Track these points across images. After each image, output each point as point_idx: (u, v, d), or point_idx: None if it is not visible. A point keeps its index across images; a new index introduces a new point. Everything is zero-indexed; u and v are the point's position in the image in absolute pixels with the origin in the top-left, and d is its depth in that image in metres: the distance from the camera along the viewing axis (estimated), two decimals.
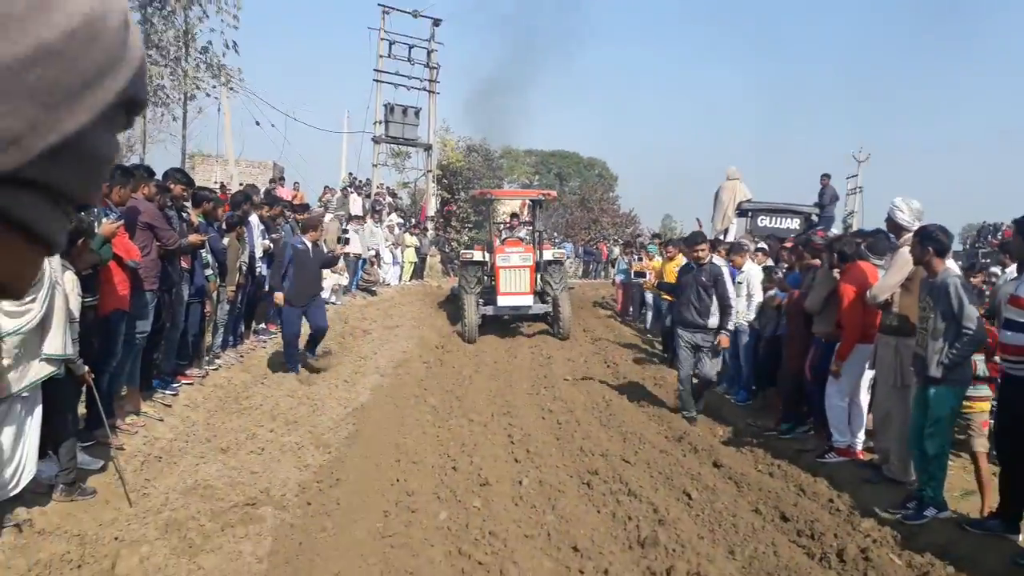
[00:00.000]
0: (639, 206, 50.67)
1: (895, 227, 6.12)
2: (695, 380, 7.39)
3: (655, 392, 8.59)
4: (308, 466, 5.39)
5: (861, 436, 6.06)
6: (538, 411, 7.51)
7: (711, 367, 7.34)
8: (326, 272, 14.22)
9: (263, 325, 9.70)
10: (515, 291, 12.43)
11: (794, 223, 14.18)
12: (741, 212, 14.66)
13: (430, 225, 22.42)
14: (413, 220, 22.38)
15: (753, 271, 8.29)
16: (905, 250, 5.55)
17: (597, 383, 8.89)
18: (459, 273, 14.11)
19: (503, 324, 13.30)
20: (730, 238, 12.80)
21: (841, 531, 4.54)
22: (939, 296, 4.81)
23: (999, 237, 25.88)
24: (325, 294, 13.89)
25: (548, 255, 13.39)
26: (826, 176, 15.06)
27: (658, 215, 57.28)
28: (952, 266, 4.99)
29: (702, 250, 7.39)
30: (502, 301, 12.46)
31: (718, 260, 7.54)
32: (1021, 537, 4.38)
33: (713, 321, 7.26)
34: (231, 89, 19.01)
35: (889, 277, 5.62)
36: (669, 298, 9.91)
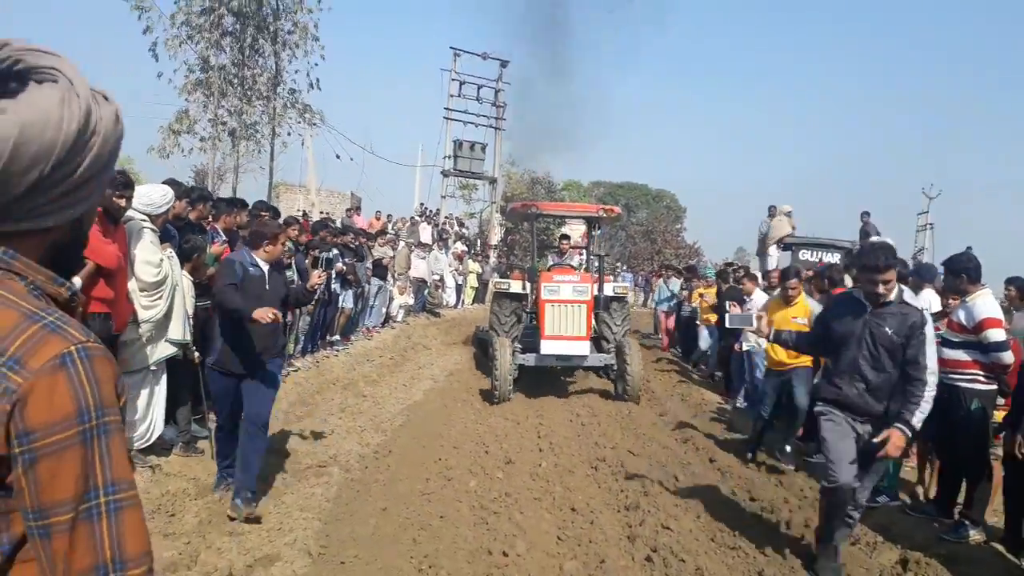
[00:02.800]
0: (711, 240, 50.94)
1: None
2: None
3: (675, 406, 9.50)
4: (368, 444, 6.62)
5: None
6: (567, 415, 8.56)
7: (868, 484, 4.42)
8: (394, 292, 15.41)
9: (337, 337, 11.05)
10: (565, 335, 9.36)
11: (835, 257, 14.85)
12: (785, 246, 15.45)
13: (492, 253, 23.81)
14: (476, 248, 23.84)
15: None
16: None
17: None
18: (490, 309, 11.33)
19: (548, 375, 10.31)
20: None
21: (782, 502, 5.45)
22: None
23: None
24: (395, 313, 14.99)
25: (609, 289, 10.55)
26: (866, 214, 15.71)
27: (730, 248, 57.34)
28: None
29: (887, 279, 4.09)
30: (547, 347, 9.35)
31: (911, 296, 4.30)
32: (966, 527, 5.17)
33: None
34: (314, 126, 20.93)
35: None
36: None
